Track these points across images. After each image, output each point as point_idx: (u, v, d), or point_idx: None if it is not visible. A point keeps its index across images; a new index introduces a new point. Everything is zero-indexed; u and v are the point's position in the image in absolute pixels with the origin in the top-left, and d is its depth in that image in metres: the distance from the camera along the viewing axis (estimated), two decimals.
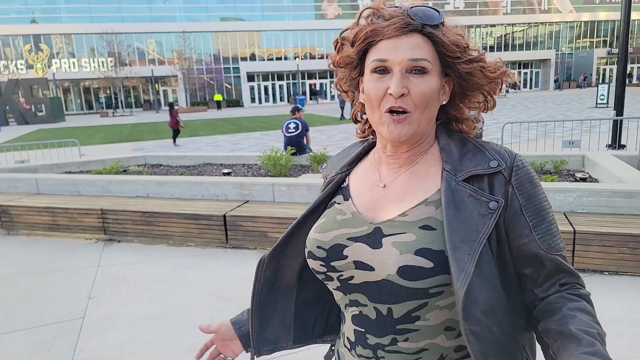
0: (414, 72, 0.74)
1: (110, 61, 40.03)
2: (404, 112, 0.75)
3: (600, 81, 43.45)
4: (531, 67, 48.41)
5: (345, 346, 0.87)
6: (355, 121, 0.96)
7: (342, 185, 0.91)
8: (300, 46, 45.20)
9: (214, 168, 7.09)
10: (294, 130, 7.27)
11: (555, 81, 45.46)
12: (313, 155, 6.42)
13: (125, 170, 7.02)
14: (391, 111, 0.75)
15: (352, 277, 0.79)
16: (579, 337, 0.66)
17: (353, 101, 0.93)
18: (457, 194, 0.75)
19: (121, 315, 3.24)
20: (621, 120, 8.35)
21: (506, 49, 48.16)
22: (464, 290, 0.67)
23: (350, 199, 0.87)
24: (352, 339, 0.83)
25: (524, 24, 47.96)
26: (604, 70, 47.36)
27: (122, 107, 43.34)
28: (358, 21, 0.80)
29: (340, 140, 13.68)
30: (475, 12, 47.26)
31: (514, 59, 47.53)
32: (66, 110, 40.29)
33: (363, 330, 0.80)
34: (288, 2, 45.67)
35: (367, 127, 0.94)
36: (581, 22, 48.52)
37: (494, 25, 47.70)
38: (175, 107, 14.97)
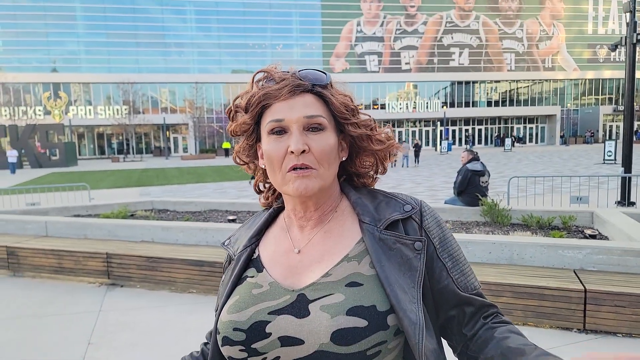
0: (311, 129, 0.75)
1: (125, 109, 41.44)
2: (307, 168, 0.74)
3: (607, 137, 43.98)
4: (537, 122, 49.20)
5: None
6: (259, 191, 0.94)
7: (252, 258, 0.83)
8: None
9: (220, 214, 7.12)
10: None
11: (561, 136, 45.99)
12: None
13: (132, 215, 7.07)
14: (294, 168, 0.74)
15: (277, 358, 0.70)
16: (520, 349, 0.68)
17: (255, 172, 0.91)
18: (384, 243, 0.75)
19: None
20: (630, 178, 8.35)
21: (511, 104, 49.24)
22: (423, 343, 0.67)
23: (264, 269, 0.80)
24: None
25: (529, 80, 49.33)
26: (610, 126, 48.00)
27: (133, 153, 44.31)
28: (252, 87, 0.80)
29: None
30: (480, 68, 48.85)
31: (519, 113, 48.48)
32: (79, 154, 41.20)
33: None
34: (297, 56, 47.68)
35: (270, 194, 0.92)
36: (586, 79, 49.84)
37: (498, 81, 49.08)
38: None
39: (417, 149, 24.69)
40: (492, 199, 5.93)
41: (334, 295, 0.71)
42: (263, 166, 0.82)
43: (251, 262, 0.83)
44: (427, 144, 46.69)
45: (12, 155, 25.17)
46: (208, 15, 45.62)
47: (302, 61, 47.38)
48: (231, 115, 0.84)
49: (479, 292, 0.80)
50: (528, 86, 49.62)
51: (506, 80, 49.17)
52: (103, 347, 3.41)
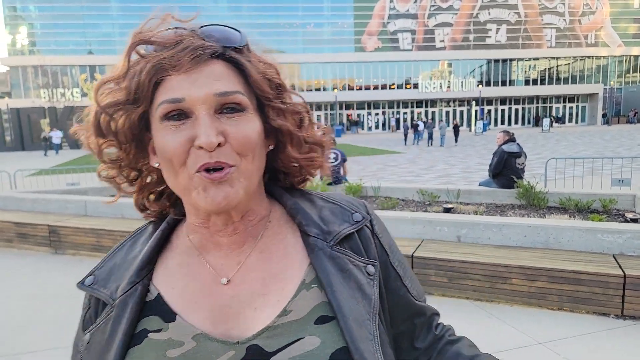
0: (225, 111, 0.53)
1: None
2: (225, 167, 0.52)
3: None
4: (577, 102, 46.99)
5: None
6: (142, 209, 0.67)
7: (146, 301, 0.58)
8: (339, 77, 46.13)
9: None
10: (334, 160, 7.36)
11: (604, 116, 43.78)
12: (349, 186, 6.44)
13: None
14: (206, 169, 0.52)
15: None
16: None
17: (139, 189, 0.64)
18: (335, 263, 0.58)
19: None
20: None
21: (550, 82, 47.13)
22: None
23: (177, 316, 0.56)
24: None
25: (570, 57, 46.94)
26: None
27: None
28: (126, 61, 0.54)
29: (376, 171, 13.64)
30: (518, 45, 46.81)
31: (558, 92, 46.37)
32: None
33: None
34: (328, 35, 47.07)
35: (166, 204, 0.66)
36: (630, 56, 47.01)
37: (537, 59, 46.96)
38: None
39: (456, 129, 25.43)
40: (528, 182, 5.75)
41: (305, 339, 0.53)
42: (156, 164, 0.58)
43: (146, 308, 0.57)
44: (462, 124, 45.41)
45: (56, 136, 26.19)
46: None
47: (333, 40, 46.79)
48: (99, 119, 0.57)
49: (425, 297, 0.71)
50: (569, 63, 47.25)
51: (546, 58, 46.98)
52: None
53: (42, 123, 31.61)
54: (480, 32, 46.73)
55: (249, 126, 0.54)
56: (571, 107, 47.29)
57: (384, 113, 46.57)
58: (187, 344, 0.54)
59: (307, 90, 45.55)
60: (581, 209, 5.13)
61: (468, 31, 46.70)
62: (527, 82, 47.33)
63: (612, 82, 46.62)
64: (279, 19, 46.05)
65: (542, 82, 47.23)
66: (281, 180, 0.66)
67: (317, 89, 46.00)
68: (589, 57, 46.98)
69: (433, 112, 45.87)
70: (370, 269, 0.60)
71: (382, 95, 45.61)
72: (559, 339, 2.95)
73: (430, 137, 25.58)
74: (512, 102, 47.10)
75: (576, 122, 46.93)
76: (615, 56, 47.09)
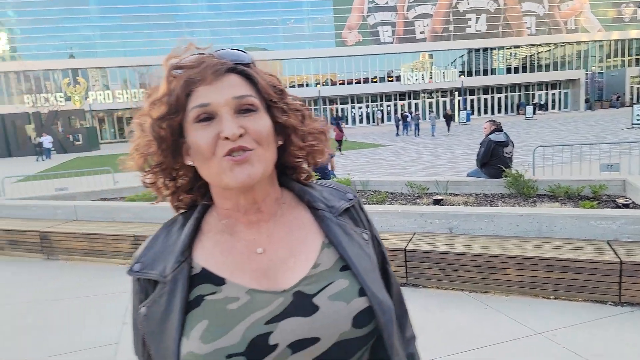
0: (242, 111, 0.67)
1: (142, 92, 41.64)
2: (245, 151, 0.65)
3: (635, 100, 42.32)
4: (559, 88, 47.62)
5: None
6: (176, 206, 0.78)
7: (192, 275, 0.69)
8: (321, 73, 46.03)
9: None
10: None
11: (586, 101, 44.44)
12: (338, 181, 6.43)
13: (156, 197, 7.18)
14: (230, 155, 0.65)
15: None
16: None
17: (174, 191, 0.76)
18: (343, 229, 0.74)
19: None
20: None
21: (532, 69, 47.66)
22: (392, 323, 0.70)
23: (226, 280, 0.68)
24: None
25: (550, 44, 47.50)
26: (638, 89, 46.08)
27: None
28: (167, 82, 0.69)
29: (362, 165, 13.67)
30: (498, 33, 47.20)
31: (540, 79, 46.93)
32: (101, 139, 41.89)
33: None
34: (309, 30, 46.88)
35: (196, 196, 0.78)
36: (611, 40, 47.75)
37: (518, 47, 47.41)
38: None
39: (448, 118, 26.81)
40: (517, 170, 5.80)
41: (336, 282, 0.68)
42: (190, 162, 0.71)
43: (194, 280, 0.68)
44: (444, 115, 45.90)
45: (47, 140, 25.97)
46: None
47: (314, 35, 46.61)
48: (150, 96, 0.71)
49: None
50: (550, 50, 47.81)
51: (526, 45, 47.46)
52: None
53: (27, 128, 31.01)
54: (460, 22, 47.00)
55: (262, 122, 0.69)
56: (554, 94, 47.90)
57: (367, 106, 46.65)
58: (243, 298, 0.66)
59: (289, 87, 45.35)
60: (572, 196, 5.19)
61: (448, 22, 46.93)
62: (508, 71, 47.78)
63: (593, 68, 47.29)
64: (258, 16, 45.67)
65: (524, 70, 47.72)
66: (288, 176, 0.80)
67: (300, 85, 45.83)
68: (569, 43, 47.59)
69: (416, 104, 46.06)
70: (365, 235, 0.77)
71: (365, 89, 45.65)
72: (558, 328, 2.96)
73: (417, 127, 26.11)
74: (495, 91, 47.55)
75: (559, 108, 47.58)
76: (595, 41, 47.77)
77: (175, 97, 0.67)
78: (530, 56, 47.87)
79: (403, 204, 5.47)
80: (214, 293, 0.67)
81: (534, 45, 47.41)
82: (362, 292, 0.68)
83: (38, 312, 3.96)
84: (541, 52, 47.85)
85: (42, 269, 5.23)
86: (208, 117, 0.66)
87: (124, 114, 45.33)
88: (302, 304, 0.66)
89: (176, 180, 0.75)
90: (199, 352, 0.62)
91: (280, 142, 0.74)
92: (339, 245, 0.71)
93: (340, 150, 17.63)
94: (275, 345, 0.62)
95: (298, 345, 0.63)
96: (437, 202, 5.31)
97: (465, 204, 5.21)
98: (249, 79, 0.70)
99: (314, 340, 0.64)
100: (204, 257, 0.71)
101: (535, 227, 3.92)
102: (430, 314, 3.34)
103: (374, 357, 0.71)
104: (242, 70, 0.70)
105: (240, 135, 0.65)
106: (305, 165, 0.80)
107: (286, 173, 0.80)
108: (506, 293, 3.54)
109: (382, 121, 46.08)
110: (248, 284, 0.67)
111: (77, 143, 31.46)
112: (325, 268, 0.70)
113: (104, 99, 43.31)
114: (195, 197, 0.77)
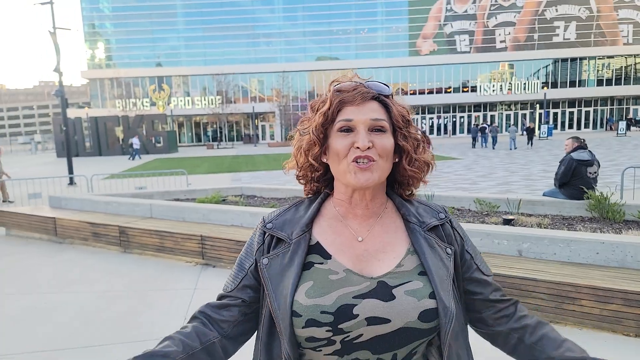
0: (374, 130, 0.86)
1: (219, 99, 44.13)
2: (369, 160, 0.84)
3: None
4: None
5: None
6: (309, 192, 1.01)
7: (310, 245, 0.89)
8: (392, 82, 45.51)
9: None
10: None
11: None
12: None
13: (224, 200, 7.52)
14: (356, 161, 0.84)
15: (360, 335, 0.81)
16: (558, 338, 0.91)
17: (310, 180, 0.98)
18: (427, 242, 0.89)
19: None
20: None
21: (627, 82, 43.52)
22: (450, 324, 0.82)
23: (332, 257, 0.88)
24: None
25: None
26: None
27: (225, 140, 47.15)
28: (330, 92, 0.91)
29: (429, 177, 13.23)
30: (589, 42, 43.75)
31: (636, 93, 42.69)
32: (179, 142, 44.88)
33: None
34: (382, 40, 46.67)
35: (322, 185, 0.99)
36: None
37: (612, 57, 43.59)
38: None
39: (530, 132, 25.60)
40: (601, 192, 5.29)
41: (413, 282, 0.84)
42: (325, 160, 0.92)
43: (311, 249, 0.89)
44: (525, 128, 43.28)
45: (136, 142, 28.41)
46: (294, 4, 46.48)
47: (387, 45, 46.33)
48: (315, 108, 0.94)
49: (491, 274, 0.99)
50: None
51: (621, 55, 43.45)
52: None
53: (116, 130, 34.09)
54: (547, 30, 44.22)
55: (387, 141, 0.87)
56: None
57: (439, 117, 45.33)
58: (341, 274, 0.85)
59: None
60: None
61: (532, 30, 44.35)
62: (599, 83, 44.03)
63: None
64: (332, 26, 46.40)
65: (618, 82, 43.71)
66: (395, 189, 0.97)
67: None
68: None
69: (492, 116, 43.96)
70: (449, 250, 0.91)
71: (437, 99, 44.43)
72: None
73: (495, 140, 24.98)
74: (583, 104, 44.03)
75: None
76: None
77: (332, 110, 0.88)
78: (626, 67, 43.78)
79: (469, 222, 5.21)
80: (321, 263, 0.87)
81: (630, 55, 43.30)
82: (432, 295, 0.82)
83: (110, 300, 4.29)
84: (639, 62, 43.54)
85: (118, 261, 5.68)
86: (349, 129, 0.86)
87: (201, 119, 48.25)
88: (383, 291, 0.83)
89: (315, 171, 0.96)
90: (303, 303, 0.82)
91: (396, 159, 0.91)
92: (421, 254, 0.87)
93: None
94: (357, 315, 0.81)
95: (373, 320, 0.81)
96: (507, 222, 4.99)
97: (539, 225, 4.85)
98: (386, 106, 0.89)
99: (386, 321, 0.81)
100: (320, 233, 0.91)
101: (619, 256, 3.54)
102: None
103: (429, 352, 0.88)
104: (382, 99, 0.90)
105: (369, 148, 0.84)
106: (414, 183, 0.96)
107: (394, 186, 0.97)
108: (579, 326, 3.23)
109: (454, 133, 44.53)
110: (347, 264, 0.86)
111: (158, 145, 33.94)
112: (407, 269, 0.86)
113: (184, 104, 46.40)
114: (320, 186, 0.99)
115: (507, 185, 11.01)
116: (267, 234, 0.94)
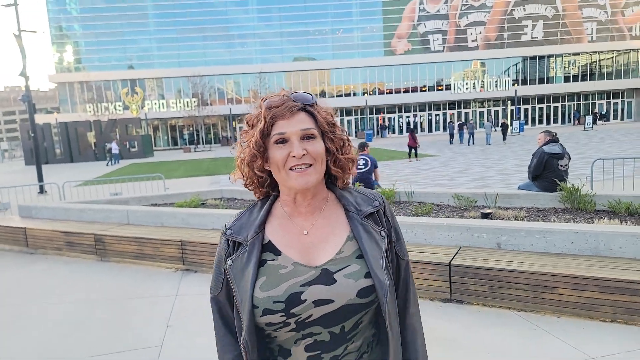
0: (306, 138, 0.98)
1: (194, 101, 43.48)
2: (307, 166, 0.96)
3: None
4: (622, 97, 44.69)
5: None
6: (260, 195, 1.12)
7: (264, 244, 1.02)
8: (368, 82, 45.91)
9: None
10: (363, 167, 7.26)
11: None
12: (382, 191, 6.33)
13: (203, 204, 7.41)
14: (293, 168, 0.97)
15: (310, 316, 0.95)
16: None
17: (259, 185, 1.09)
18: (363, 227, 1.02)
19: (198, 346, 3.33)
20: None
21: (592, 78, 45.06)
22: (387, 296, 0.96)
23: (282, 253, 1.00)
24: None
25: (613, 51, 44.74)
26: None
27: (203, 143, 46.48)
28: (261, 108, 1.01)
29: (408, 175, 13.42)
30: (556, 40, 45.08)
31: (601, 88, 44.27)
32: (155, 146, 43.99)
33: (318, 352, 0.98)
34: (358, 40, 46.93)
35: (269, 189, 1.10)
36: None
37: (577, 54, 45.04)
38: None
39: (505, 128, 26.52)
40: (573, 184, 5.46)
41: (351, 266, 0.98)
42: (267, 168, 1.03)
43: (264, 247, 1.02)
44: (498, 124, 44.26)
45: (115, 147, 27.73)
46: (269, 5, 46.22)
47: (363, 45, 46.61)
48: (251, 123, 1.04)
49: (408, 259, 1.13)
50: (612, 57, 45.00)
51: (586, 52, 44.95)
52: (180, 330, 3.63)
53: (88, 136, 33.16)
54: (515, 29, 45.34)
55: (318, 146, 0.99)
56: (616, 103, 44.99)
57: (414, 116, 45.90)
58: (289, 267, 0.99)
59: (337, 96, 45.58)
60: (633, 213, 4.81)
61: (502, 29, 45.41)
62: (566, 79, 45.43)
63: None
64: (308, 27, 46.36)
65: (584, 78, 45.22)
66: (333, 181, 1.09)
67: (347, 94, 45.93)
68: (634, 49, 44.59)
69: (466, 113, 44.75)
70: (382, 232, 1.04)
71: (413, 98, 44.99)
72: (614, 353, 2.75)
73: (471, 136, 25.54)
74: (551, 100, 45.33)
75: (622, 118, 44.58)
76: None
77: (266, 126, 0.99)
78: (591, 64, 45.28)
79: (449, 217, 5.30)
80: (273, 260, 1.00)
81: (595, 52, 44.86)
82: (367, 275, 0.96)
83: (88, 311, 4.17)
84: (603, 59, 45.14)
85: (95, 270, 5.52)
86: (283, 141, 0.98)
87: (177, 122, 47.43)
88: (326, 277, 0.97)
89: (260, 179, 1.07)
90: (258, 296, 0.96)
91: (329, 159, 1.04)
92: (359, 239, 1.00)
93: (416, 157, 18.48)
94: (305, 300, 0.95)
95: (319, 302, 0.95)
96: (485, 216, 5.10)
97: (516, 218, 4.97)
98: (312, 115, 1.01)
99: (330, 301, 0.95)
100: (271, 232, 1.04)
101: (592, 245, 3.66)
102: (474, 332, 3.19)
103: (376, 320, 1.04)
104: (308, 109, 1.01)
105: (303, 155, 0.96)
106: (344, 176, 1.09)
107: (332, 179, 1.10)
108: (558, 314, 3.32)
109: (430, 130, 45.17)
110: (294, 257, 1.00)
111: (133, 150, 33.21)
112: (346, 255, 0.99)
113: (159, 107, 45.52)
114: (268, 190, 1.09)
115: (483, 180, 11.25)
116: (229, 240, 1.06)
